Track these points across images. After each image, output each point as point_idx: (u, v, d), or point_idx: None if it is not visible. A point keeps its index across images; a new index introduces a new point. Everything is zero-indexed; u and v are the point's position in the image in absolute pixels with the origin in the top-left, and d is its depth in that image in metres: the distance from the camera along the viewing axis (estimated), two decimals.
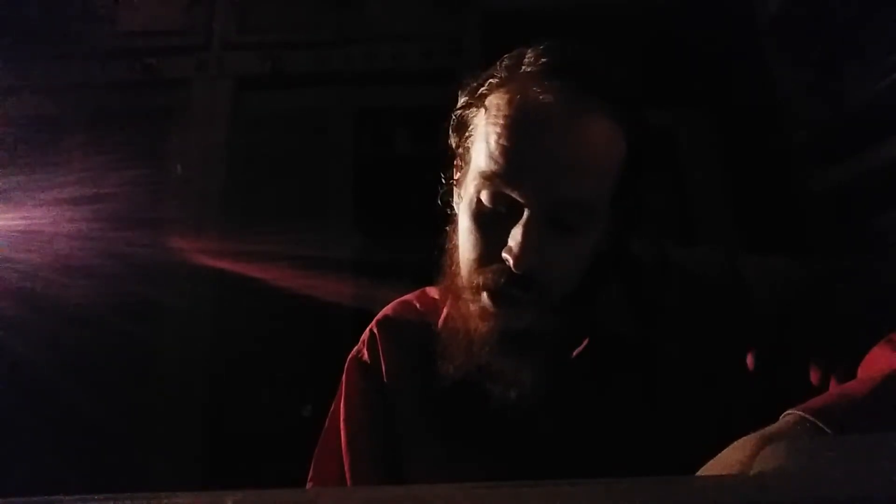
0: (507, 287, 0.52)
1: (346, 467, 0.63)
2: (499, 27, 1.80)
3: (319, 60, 1.88)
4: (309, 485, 0.67)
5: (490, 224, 0.53)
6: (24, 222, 1.52)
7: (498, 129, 0.52)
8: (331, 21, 1.91)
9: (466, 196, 0.55)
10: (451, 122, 0.60)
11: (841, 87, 1.41)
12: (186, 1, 1.93)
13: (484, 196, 0.53)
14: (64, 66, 1.86)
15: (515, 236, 0.50)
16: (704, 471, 0.38)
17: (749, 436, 0.38)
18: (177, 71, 1.88)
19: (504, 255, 0.51)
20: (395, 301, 0.72)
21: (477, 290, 0.54)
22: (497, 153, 0.51)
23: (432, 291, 0.69)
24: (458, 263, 0.57)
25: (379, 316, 0.71)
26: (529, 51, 0.54)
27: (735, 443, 0.38)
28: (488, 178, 0.52)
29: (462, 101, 0.58)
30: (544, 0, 1.84)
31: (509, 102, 0.52)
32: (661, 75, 1.59)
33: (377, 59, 1.87)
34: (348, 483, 0.62)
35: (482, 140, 0.53)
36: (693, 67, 1.79)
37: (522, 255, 0.50)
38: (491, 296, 0.53)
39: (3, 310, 1.45)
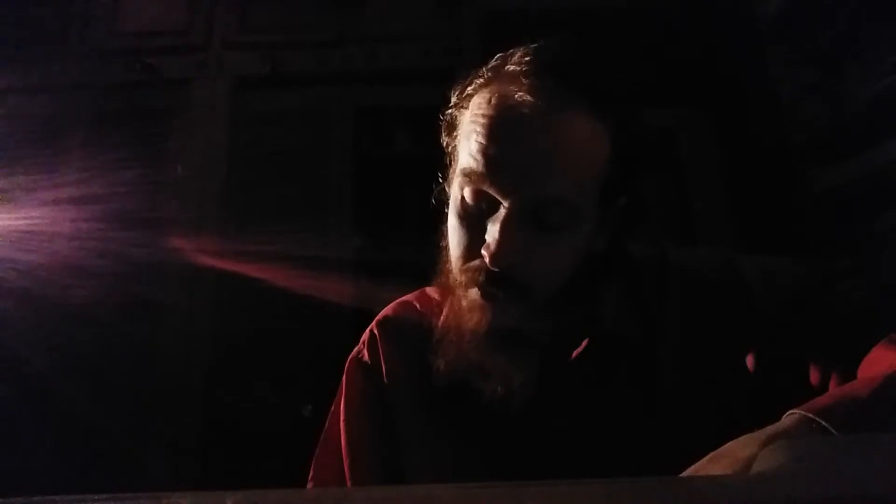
0: (485, 284, 0.52)
1: (346, 467, 0.63)
2: (499, 27, 1.81)
3: (319, 60, 1.88)
4: (309, 485, 0.67)
5: (472, 221, 0.54)
6: (24, 222, 1.52)
7: (477, 128, 0.52)
8: (331, 21, 1.91)
9: (452, 194, 0.56)
10: (443, 122, 0.61)
11: (841, 87, 1.41)
12: (186, 1, 1.93)
13: (466, 194, 0.53)
14: (64, 66, 1.86)
15: (492, 233, 0.51)
16: (705, 463, 0.39)
17: (752, 433, 0.38)
18: (177, 71, 1.88)
19: (483, 251, 0.51)
20: (396, 301, 0.72)
21: (462, 288, 0.54)
22: (476, 151, 0.52)
23: (432, 291, 0.69)
24: (448, 261, 0.58)
25: (379, 316, 0.71)
26: (519, 50, 0.55)
27: (738, 439, 0.38)
28: (469, 176, 0.52)
29: (452, 101, 0.59)
30: (544, 0, 1.84)
31: (489, 101, 0.53)
32: (662, 75, 1.59)
33: (377, 59, 1.87)
34: (348, 483, 0.62)
35: (465, 139, 0.54)
36: (693, 67, 1.79)
37: (498, 251, 0.50)
38: (474, 292, 0.53)
39: (3, 310, 1.45)
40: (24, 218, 1.53)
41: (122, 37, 1.92)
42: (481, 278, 0.52)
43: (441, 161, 0.62)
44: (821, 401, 0.41)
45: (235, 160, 1.80)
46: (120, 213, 1.58)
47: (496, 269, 0.51)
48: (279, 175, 1.80)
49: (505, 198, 0.51)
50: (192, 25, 1.92)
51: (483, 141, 0.52)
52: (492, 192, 0.51)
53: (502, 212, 0.51)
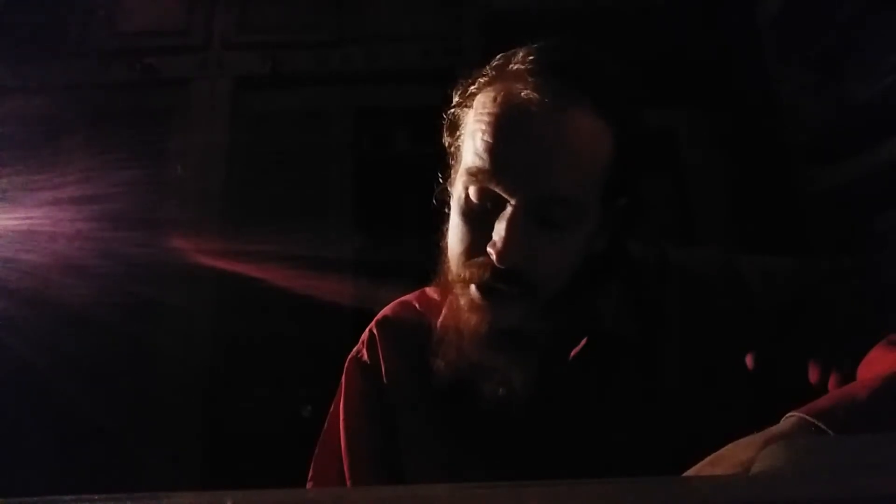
0: (491, 281, 0.52)
1: (346, 467, 0.63)
2: (499, 27, 1.81)
3: (319, 60, 1.88)
4: (309, 485, 0.67)
5: (476, 219, 0.54)
6: (24, 222, 1.52)
7: (483, 126, 0.52)
8: (331, 21, 1.91)
9: (456, 193, 0.56)
10: (445, 122, 0.61)
11: (841, 87, 1.42)
12: (186, 1, 1.93)
13: (471, 192, 0.53)
14: (64, 66, 1.86)
15: (499, 230, 0.51)
16: (705, 465, 0.39)
17: (751, 436, 0.38)
18: (177, 71, 1.88)
19: (488, 249, 0.51)
20: (395, 301, 0.72)
21: (465, 284, 0.54)
22: (482, 149, 0.52)
23: (432, 291, 0.69)
24: (448, 260, 0.58)
25: (378, 316, 0.71)
26: (522, 50, 0.55)
27: (737, 442, 0.38)
28: (474, 175, 0.53)
29: (455, 100, 0.59)
30: (544, 0, 1.84)
31: (494, 99, 0.53)
32: (662, 75, 1.59)
33: (377, 59, 1.87)
34: (348, 483, 0.62)
35: (469, 137, 0.54)
36: (693, 67, 1.79)
37: (505, 249, 0.50)
38: (478, 290, 0.53)
39: (3, 310, 1.45)
40: (24, 218, 1.53)
41: (122, 37, 1.92)
42: (486, 276, 0.52)
43: (441, 161, 0.62)
44: (819, 403, 0.41)
45: (235, 160, 1.80)
46: (120, 213, 1.58)
47: (502, 267, 0.51)
48: (279, 175, 1.80)
49: (511, 196, 0.51)
50: (192, 25, 1.92)
51: (489, 139, 0.52)
52: (498, 190, 0.51)
53: (508, 210, 0.51)
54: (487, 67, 0.56)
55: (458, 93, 0.59)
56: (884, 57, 1.28)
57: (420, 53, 1.85)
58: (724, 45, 1.79)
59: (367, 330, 0.70)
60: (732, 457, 0.37)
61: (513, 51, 0.56)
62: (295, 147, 1.82)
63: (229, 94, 1.86)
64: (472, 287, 0.54)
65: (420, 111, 1.65)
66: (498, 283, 0.52)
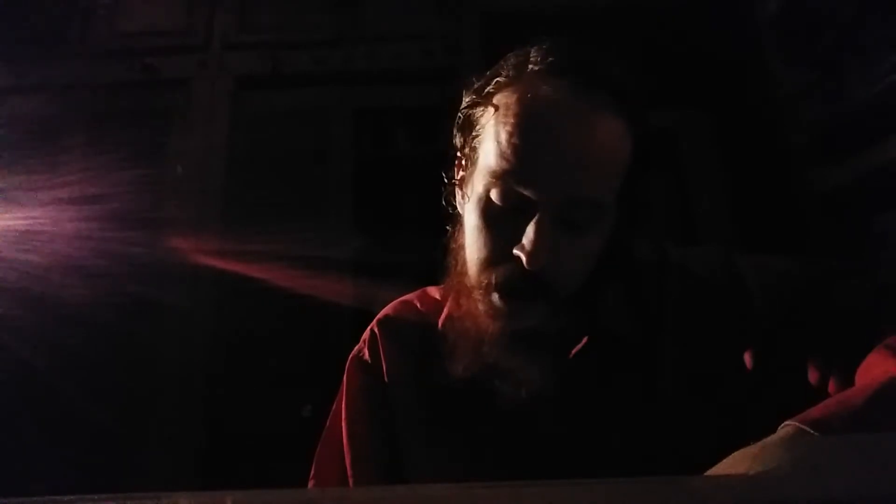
0: (519, 284, 0.51)
1: (348, 466, 0.63)
2: (499, 27, 1.80)
3: (319, 60, 1.88)
4: (310, 483, 0.67)
5: (501, 222, 0.53)
6: (24, 222, 1.52)
7: (508, 128, 0.51)
8: (331, 21, 1.91)
9: (475, 195, 0.55)
10: (457, 122, 0.60)
11: (841, 87, 1.41)
12: (186, 1, 1.93)
13: (494, 194, 0.52)
14: (64, 66, 1.86)
15: (528, 234, 0.50)
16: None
17: (746, 448, 0.38)
18: (177, 71, 1.88)
19: (516, 252, 0.51)
20: (396, 301, 0.72)
21: (487, 289, 0.53)
22: (508, 151, 0.51)
23: (433, 291, 0.69)
24: (464, 263, 0.57)
25: (380, 315, 0.71)
26: (534, 49, 0.54)
27: (732, 456, 0.38)
28: (499, 177, 0.51)
29: (468, 100, 0.58)
30: (544, 0, 1.84)
31: (519, 101, 0.52)
32: (662, 75, 1.59)
33: (377, 59, 1.87)
34: (349, 483, 0.62)
35: (491, 139, 0.53)
36: (693, 67, 1.79)
37: (536, 252, 0.49)
38: (501, 294, 0.52)
39: (3, 310, 1.45)
40: (24, 218, 1.53)
41: (122, 37, 1.92)
42: (514, 279, 0.51)
43: (442, 161, 0.62)
44: (815, 411, 0.40)
45: (235, 160, 1.80)
46: (120, 213, 1.58)
47: (532, 270, 0.50)
48: (279, 175, 1.80)
49: (540, 198, 0.50)
50: (192, 25, 1.92)
51: (517, 141, 0.51)
52: (526, 192, 0.50)
53: (537, 212, 0.50)
54: (504, 66, 0.55)
55: (472, 92, 0.58)
56: (884, 57, 1.28)
57: (420, 53, 1.85)
58: (724, 45, 1.79)
59: (368, 329, 0.70)
60: (728, 469, 0.37)
61: (523, 50, 0.55)
62: (295, 147, 1.82)
63: (229, 94, 1.86)
64: (495, 294, 0.53)
65: (420, 111, 1.66)
66: (526, 287, 0.51)
